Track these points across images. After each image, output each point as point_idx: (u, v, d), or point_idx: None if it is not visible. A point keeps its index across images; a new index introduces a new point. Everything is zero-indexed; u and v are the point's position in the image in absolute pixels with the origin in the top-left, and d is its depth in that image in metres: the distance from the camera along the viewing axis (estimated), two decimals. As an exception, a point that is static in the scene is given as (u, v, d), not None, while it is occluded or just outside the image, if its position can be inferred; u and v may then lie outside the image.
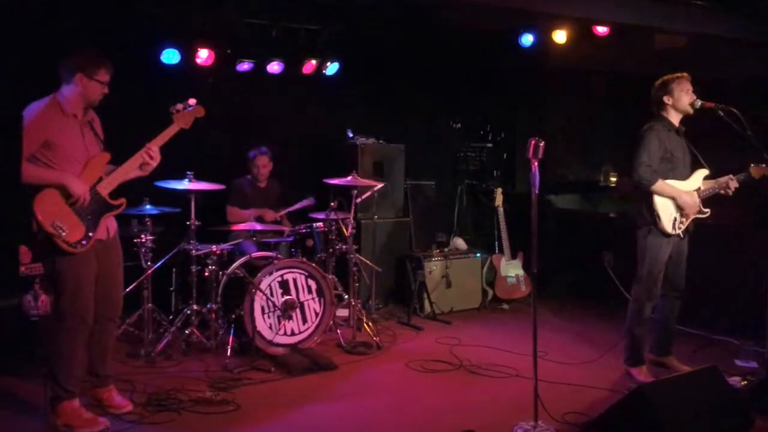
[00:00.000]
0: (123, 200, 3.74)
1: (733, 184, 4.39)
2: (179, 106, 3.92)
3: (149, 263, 4.75)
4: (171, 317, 5.02)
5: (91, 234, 3.56)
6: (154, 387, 4.14)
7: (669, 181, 4.31)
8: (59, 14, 5.14)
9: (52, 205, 3.43)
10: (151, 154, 3.72)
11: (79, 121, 3.63)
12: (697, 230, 4.47)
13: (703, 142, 4.51)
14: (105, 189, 3.65)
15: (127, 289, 4.83)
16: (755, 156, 4.29)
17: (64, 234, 3.44)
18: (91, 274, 3.60)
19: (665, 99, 4.35)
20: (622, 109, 7.09)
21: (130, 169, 3.73)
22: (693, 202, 4.33)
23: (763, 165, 4.30)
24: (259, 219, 5.52)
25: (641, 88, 4.61)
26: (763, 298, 4.27)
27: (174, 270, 5.16)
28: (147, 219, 4.77)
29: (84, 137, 3.65)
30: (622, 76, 7.18)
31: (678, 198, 4.29)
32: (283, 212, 5.70)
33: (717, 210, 4.46)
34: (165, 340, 4.73)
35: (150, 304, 4.80)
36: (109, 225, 3.74)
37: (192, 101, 3.97)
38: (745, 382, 4.13)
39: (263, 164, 5.73)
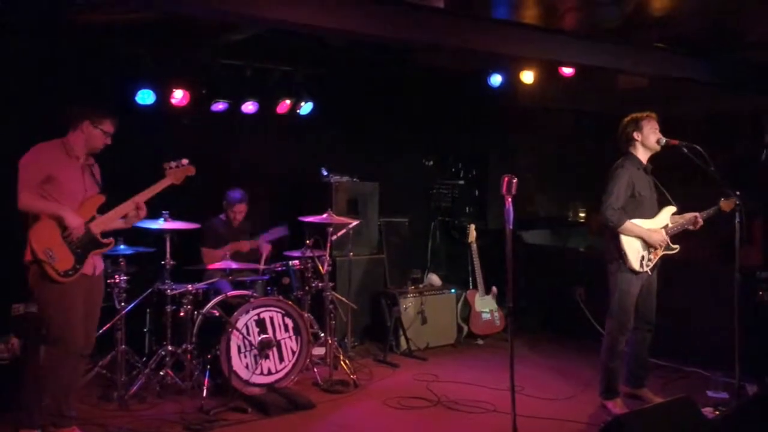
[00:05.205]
0: (112, 240, 3.96)
1: (700, 221, 4.52)
2: (173, 164, 4.18)
3: (123, 304, 4.68)
4: (145, 359, 4.93)
5: (78, 266, 3.74)
6: (128, 431, 4.05)
7: (635, 221, 4.40)
8: (30, 53, 5.15)
9: (47, 234, 3.67)
10: (138, 206, 3.97)
11: (80, 163, 3.88)
12: (667, 265, 4.57)
13: (671, 176, 4.65)
14: (97, 227, 3.85)
15: (100, 331, 4.75)
16: (720, 189, 4.42)
17: (54, 262, 3.63)
18: (79, 307, 3.74)
19: (635, 135, 4.47)
20: (588, 146, 7.30)
21: (120, 215, 3.94)
22: (661, 239, 4.44)
23: (732, 198, 4.39)
24: (236, 253, 5.46)
25: (606, 126, 4.77)
26: (731, 330, 4.39)
27: (148, 310, 5.10)
28: (120, 259, 4.70)
29: (84, 178, 3.89)
30: (588, 114, 7.41)
31: (647, 238, 4.38)
32: (260, 240, 5.63)
33: (685, 245, 4.56)
34: (139, 383, 4.65)
35: (123, 346, 4.71)
36: (96, 263, 3.92)
37: (185, 161, 4.22)
38: (718, 412, 4.21)
39: (240, 210, 5.71)
